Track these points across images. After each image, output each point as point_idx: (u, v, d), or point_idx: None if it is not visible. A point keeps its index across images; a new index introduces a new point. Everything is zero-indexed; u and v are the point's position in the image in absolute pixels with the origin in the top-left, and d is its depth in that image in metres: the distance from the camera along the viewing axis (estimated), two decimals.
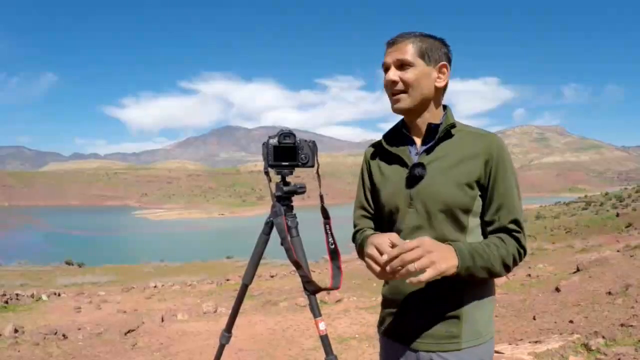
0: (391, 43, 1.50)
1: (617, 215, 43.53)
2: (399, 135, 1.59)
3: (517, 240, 1.43)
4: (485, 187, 1.46)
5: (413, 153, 1.54)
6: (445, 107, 1.57)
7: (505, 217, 1.44)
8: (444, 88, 1.54)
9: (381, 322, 1.64)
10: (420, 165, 1.47)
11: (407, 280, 1.25)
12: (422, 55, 1.47)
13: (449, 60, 1.53)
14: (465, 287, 1.43)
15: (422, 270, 1.23)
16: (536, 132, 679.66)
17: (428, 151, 1.50)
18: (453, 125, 1.50)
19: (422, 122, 1.53)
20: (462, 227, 1.45)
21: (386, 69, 1.51)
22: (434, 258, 1.24)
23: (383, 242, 1.32)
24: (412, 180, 1.48)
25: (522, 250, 1.43)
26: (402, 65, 1.47)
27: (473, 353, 1.42)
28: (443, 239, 1.40)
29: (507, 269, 1.41)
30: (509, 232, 1.43)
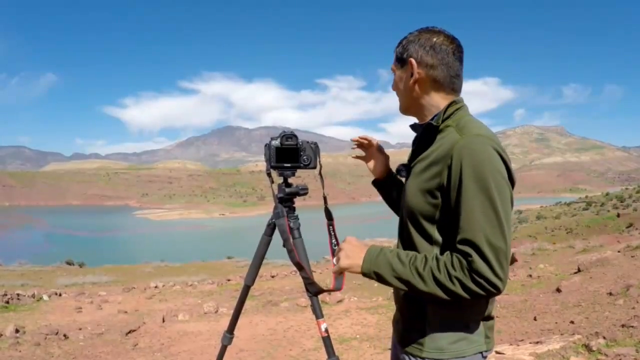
0: None
1: (618, 215, 43.48)
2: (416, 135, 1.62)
3: (469, 264, 1.19)
4: (447, 197, 1.30)
5: None
6: (455, 102, 1.43)
7: (458, 235, 1.24)
8: (429, 82, 1.42)
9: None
10: (403, 166, 1.53)
11: None
12: (397, 60, 1.51)
13: (429, 48, 1.41)
14: (428, 303, 1.36)
15: None
16: (537, 133, 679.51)
17: (413, 153, 1.51)
18: (430, 125, 1.40)
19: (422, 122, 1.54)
20: (429, 238, 1.36)
21: None
22: (340, 254, 1.39)
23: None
24: (404, 180, 1.54)
25: (480, 280, 1.18)
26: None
27: None
28: (412, 245, 1.40)
29: (452, 294, 1.22)
30: (461, 253, 1.22)
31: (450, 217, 1.30)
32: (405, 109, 1.54)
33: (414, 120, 1.57)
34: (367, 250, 1.35)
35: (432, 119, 1.42)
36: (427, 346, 1.38)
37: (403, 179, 1.60)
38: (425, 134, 1.42)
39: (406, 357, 1.45)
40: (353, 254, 1.36)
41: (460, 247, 1.22)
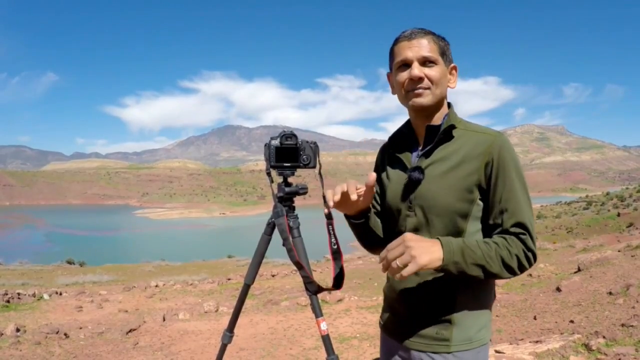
0: (409, 37, 1.44)
1: (618, 215, 43.50)
2: (403, 137, 1.58)
3: (523, 242, 1.35)
4: (486, 190, 1.40)
5: (414, 156, 1.53)
6: (449, 105, 1.53)
7: (508, 220, 1.37)
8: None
9: (381, 317, 1.69)
10: (418, 169, 1.46)
11: (395, 277, 1.28)
12: (443, 54, 1.45)
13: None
14: (458, 293, 1.41)
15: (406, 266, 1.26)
16: (537, 132, 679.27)
17: (427, 154, 1.47)
18: (453, 126, 1.45)
19: (428, 123, 1.50)
20: (459, 232, 1.41)
21: (406, 63, 1.44)
22: (414, 252, 1.25)
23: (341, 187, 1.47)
24: (411, 184, 1.48)
25: (529, 254, 1.35)
26: (425, 62, 1.43)
27: (462, 357, 1.40)
28: None
29: (510, 270, 1.34)
30: (514, 234, 1.36)
31: (488, 207, 1.42)
32: (433, 104, 1.47)
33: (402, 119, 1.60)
34: (442, 242, 1.30)
35: (442, 120, 1.49)
36: (455, 339, 1.40)
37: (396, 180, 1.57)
38: (444, 136, 1.46)
39: (425, 357, 1.43)
40: (429, 249, 1.28)
41: (514, 229, 1.37)
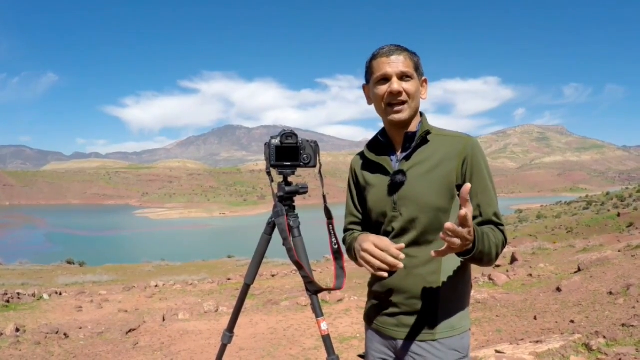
0: (387, 54, 1.56)
1: (618, 215, 43.43)
2: (380, 144, 1.68)
3: (502, 232, 1.51)
4: (462, 186, 1.48)
5: (394, 161, 1.63)
6: (421, 114, 1.66)
7: (486, 211, 1.52)
8: None
9: (366, 313, 1.75)
10: (400, 172, 1.57)
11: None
12: (417, 69, 1.59)
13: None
14: (442, 285, 1.54)
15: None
16: (537, 132, 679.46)
17: (407, 158, 1.59)
18: (428, 132, 1.59)
19: (405, 131, 1.62)
20: (441, 226, 1.46)
21: (385, 78, 1.56)
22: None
23: (372, 244, 1.45)
24: (394, 186, 1.58)
25: (505, 242, 1.51)
26: (403, 76, 1.55)
27: (447, 343, 1.53)
28: (425, 239, 1.55)
29: (497, 257, 1.48)
30: (494, 224, 1.52)
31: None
32: (410, 117, 1.59)
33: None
34: (476, 233, 1.36)
35: (417, 127, 1.62)
36: (439, 328, 1.53)
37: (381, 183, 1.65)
38: (421, 141, 1.59)
39: (416, 348, 1.53)
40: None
41: (494, 219, 1.52)
